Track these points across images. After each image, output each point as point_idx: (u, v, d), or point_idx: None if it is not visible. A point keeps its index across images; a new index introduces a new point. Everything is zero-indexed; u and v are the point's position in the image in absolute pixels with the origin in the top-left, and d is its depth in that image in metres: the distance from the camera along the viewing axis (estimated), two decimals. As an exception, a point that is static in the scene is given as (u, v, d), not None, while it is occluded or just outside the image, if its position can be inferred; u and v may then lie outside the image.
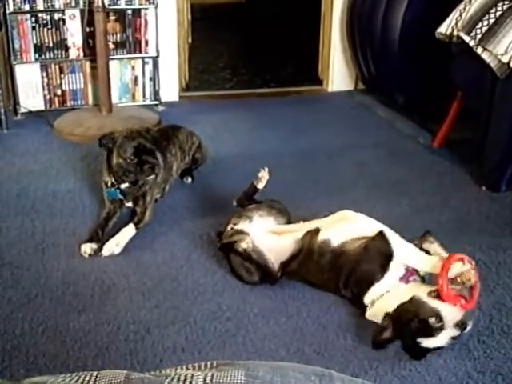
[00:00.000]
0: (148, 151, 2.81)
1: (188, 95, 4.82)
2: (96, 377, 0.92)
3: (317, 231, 2.49)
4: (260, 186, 2.81)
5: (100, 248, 2.75)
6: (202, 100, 4.80)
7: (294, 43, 6.29)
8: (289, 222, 2.75)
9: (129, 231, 2.82)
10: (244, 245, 2.52)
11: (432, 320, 2.10)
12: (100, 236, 2.81)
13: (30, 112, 4.31)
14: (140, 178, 2.84)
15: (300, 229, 2.58)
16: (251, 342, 2.25)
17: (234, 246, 2.56)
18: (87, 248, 2.74)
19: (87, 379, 0.91)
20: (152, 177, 2.83)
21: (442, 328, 2.11)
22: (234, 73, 5.46)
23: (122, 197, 2.93)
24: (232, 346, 2.22)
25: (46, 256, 2.74)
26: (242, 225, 2.62)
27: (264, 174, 2.81)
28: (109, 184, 2.92)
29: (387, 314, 2.20)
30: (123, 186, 2.91)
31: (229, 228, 2.65)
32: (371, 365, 2.14)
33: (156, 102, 4.54)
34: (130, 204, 2.95)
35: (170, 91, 4.65)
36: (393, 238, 2.35)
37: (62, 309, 2.40)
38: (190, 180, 3.39)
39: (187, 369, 0.96)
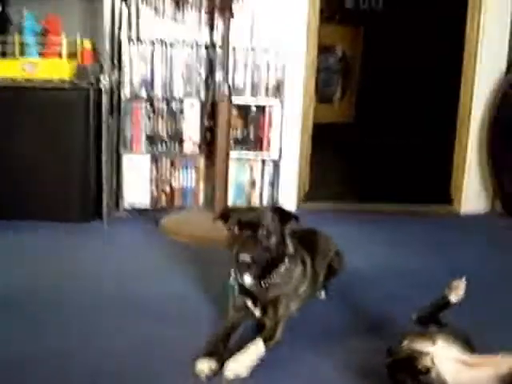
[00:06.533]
0: (252, 224, 2.31)
1: (307, 205, 4.32)
2: None
3: None
4: (453, 298, 2.27)
5: (220, 367, 2.16)
6: (320, 212, 4.29)
7: (417, 158, 5.94)
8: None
9: (257, 349, 2.23)
10: (428, 363, 2.00)
11: None
12: (221, 351, 2.23)
13: (133, 208, 3.90)
14: (240, 252, 2.27)
15: (499, 362, 1.98)
16: None
17: (412, 363, 2.03)
18: (204, 366, 2.16)
19: None
20: (249, 256, 2.27)
21: None
22: (352, 187, 4.99)
23: (249, 302, 2.40)
24: None
25: (155, 370, 2.21)
26: (423, 345, 2.07)
27: (460, 284, 2.27)
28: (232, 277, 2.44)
29: None
30: (247, 279, 2.39)
31: (404, 343, 2.11)
32: None
33: (273, 209, 4.04)
34: (258, 313, 2.41)
35: (289, 199, 4.16)
36: None
37: None
38: (323, 295, 2.80)
39: None
